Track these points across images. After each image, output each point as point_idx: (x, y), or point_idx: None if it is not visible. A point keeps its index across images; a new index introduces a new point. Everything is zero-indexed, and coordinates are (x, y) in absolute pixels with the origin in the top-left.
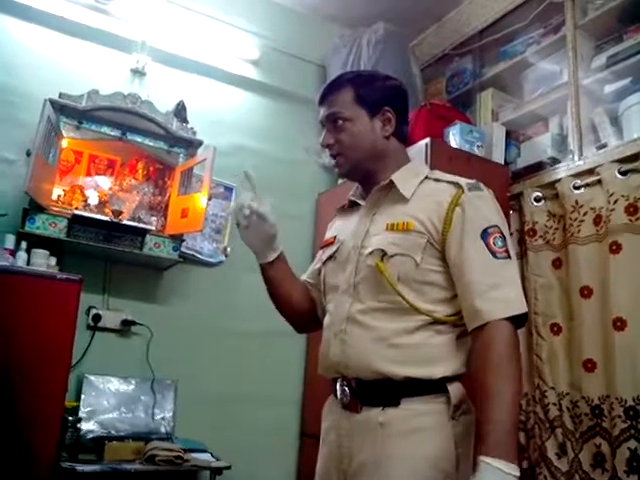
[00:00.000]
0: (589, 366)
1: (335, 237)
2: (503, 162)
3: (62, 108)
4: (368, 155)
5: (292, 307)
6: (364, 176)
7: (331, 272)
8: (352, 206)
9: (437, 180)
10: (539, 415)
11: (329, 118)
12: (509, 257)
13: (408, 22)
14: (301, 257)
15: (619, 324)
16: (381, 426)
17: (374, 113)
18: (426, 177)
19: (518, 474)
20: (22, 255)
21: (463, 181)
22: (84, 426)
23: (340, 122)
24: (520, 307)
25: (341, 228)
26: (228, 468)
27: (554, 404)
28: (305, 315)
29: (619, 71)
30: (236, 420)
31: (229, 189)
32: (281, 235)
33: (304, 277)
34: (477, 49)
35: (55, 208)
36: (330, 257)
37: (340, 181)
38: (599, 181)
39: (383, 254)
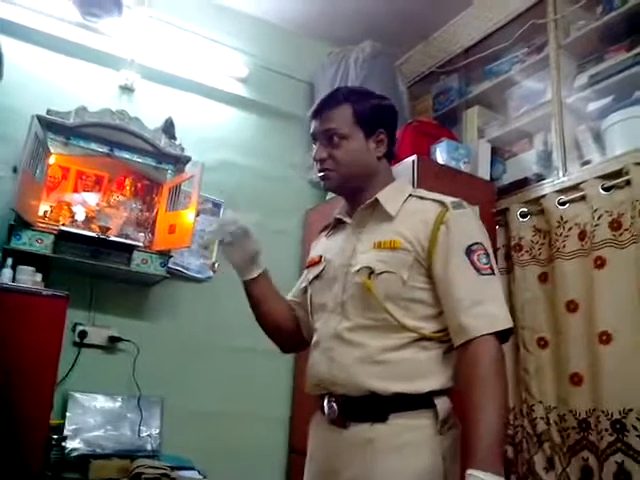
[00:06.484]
0: (576, 380)
1: (321, 256)
2: (489, 178)
3: (50, 124)
4: (359, 174)
5: (276, 325)
6: (351, 193)
7: (318, 291)
8: (337, 225)
9: (421, 198)
10: (527, 429)
11: (325, 134)
12: (493, 273)
13: (395, 40)
14: (288, 273)
15: (605, 338)
16: (369, 442)
17: (369, 134)
18: (410, 195)
19: None
20: (7, 272)
21: (447, 199)
22: (69, 444)
23: (336, 139)
24: (505, 322)
25: (327, 247)
26: None
27: (542, 418)
28: (289, 334)
29: (601, 89)
30: (224, 437)
31: (217, 205)
32: (268, 251)
33: (289, 296)
34: (463, 67)
35: (42, 224)
36: (317, 276)
37: (328, 197)
38: (583, 197)
39: (370, 272)
